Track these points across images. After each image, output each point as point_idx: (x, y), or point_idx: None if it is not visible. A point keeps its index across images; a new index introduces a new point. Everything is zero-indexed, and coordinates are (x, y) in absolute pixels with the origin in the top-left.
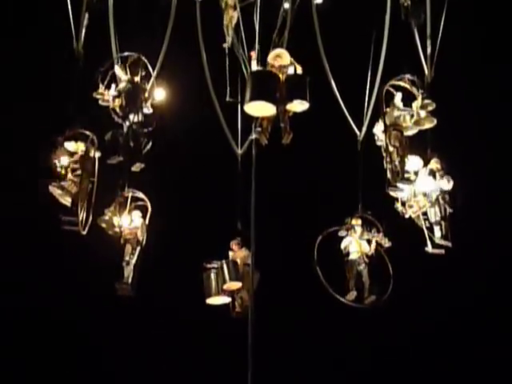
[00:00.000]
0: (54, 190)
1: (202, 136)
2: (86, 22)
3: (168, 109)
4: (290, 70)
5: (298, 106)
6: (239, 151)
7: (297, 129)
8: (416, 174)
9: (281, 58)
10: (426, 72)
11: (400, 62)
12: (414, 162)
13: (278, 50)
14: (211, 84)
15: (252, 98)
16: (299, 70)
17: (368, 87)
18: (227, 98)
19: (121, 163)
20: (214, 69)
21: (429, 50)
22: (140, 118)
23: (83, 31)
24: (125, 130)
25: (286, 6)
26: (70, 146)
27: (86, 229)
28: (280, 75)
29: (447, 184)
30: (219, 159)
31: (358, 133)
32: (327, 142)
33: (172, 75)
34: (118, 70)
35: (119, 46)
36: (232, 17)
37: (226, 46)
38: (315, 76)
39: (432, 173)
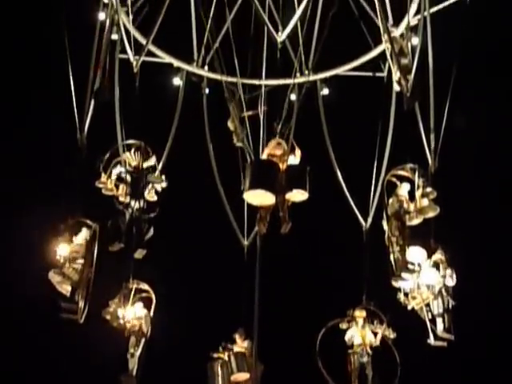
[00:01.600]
0: (54, 277)
1: (209, 226)
2: (90, 113)
3: (175, 199)
4: (291, 159)
5: (298, 195)
6: (245, 242)
7: (302, 219)
8: (420, 265)
9: (281, 147)
10: (430, 162)
11: (404, 151)
12: (417, 254)
13: (278, 139)
14: (218, 176)
15: (252, 187)
16: (299, 156)
17: (374, 177)
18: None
19: (125, 252)
20: (220, 159)
21: (432, 141)
22: (142, 205)
23: (87, 123)
24: (127, 216)
25: (293, 97)
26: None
27: (83, 317)
28: (280, 164)
29: (451, 280)
30: (225, 250)
31: (363, 223)
32: (332, 233)
33: (178, 165)
34: (126, 156)
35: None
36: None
37: (237, 143)
38: (321, 165)
39: (436, 265)
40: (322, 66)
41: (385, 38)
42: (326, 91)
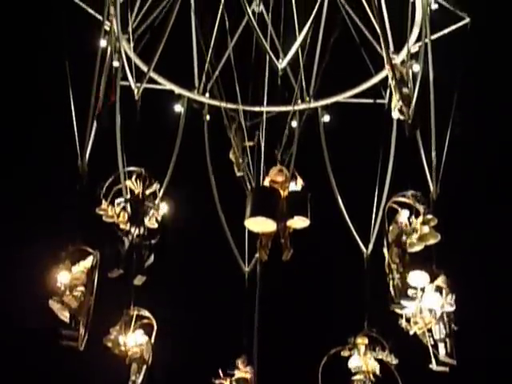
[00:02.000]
0: (54, 305)
1: (210, 253)
2: (91, 140)
3: (176, 226)
4: (292, 186)
5: (299, 222)
6: (246, 269)
7: (303, 245)
8: (422, 290)
9: (282, 174)
10: (432, 189)
11: (406, 178)
12: (419, 278)
13: (280, 166)
14: (219, 203)
15: (252, 214)
16: (300, 184)
17: (375, 204)
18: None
19: (125, 279)
20: (221, 186)
21: (434, 169)
22: (142, 232)
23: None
24: (127, 243)
25: (294, 124)
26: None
27: (84, 344)
28: (281, 191)
29: (450, 306)
30: (226, 276)
31: (364, 250)
32: (333, 259)
33: (180, 191)
34: (128, 183)
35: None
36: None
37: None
38: (322, 192)
39: (438, 289)
40: (323, 92)
41: (386, 66)
42: (327, 118)
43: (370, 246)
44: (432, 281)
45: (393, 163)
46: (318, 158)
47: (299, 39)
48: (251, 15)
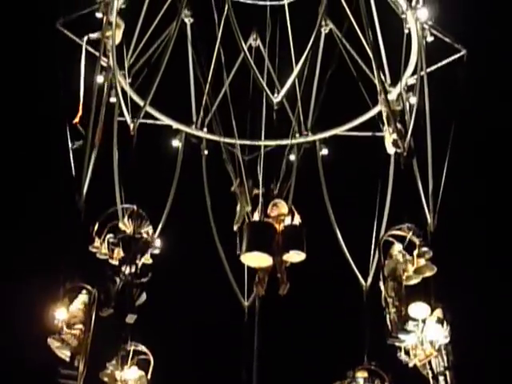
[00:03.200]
0: (53, 343)
1: (209, 287)
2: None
3: (174, 261)
4: (288, 220)
5: (295, 256)
6: (246, 303)
7: (302, 279)
8: (423, 321)
9: (278, 208)
10: (429, 221)
11: (404, 210)
12: (420, 310)
13: (276, 200)
14: (217, 237)
15: (248, 249)
16: (297, 219)
17: (373, 237)
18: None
19: (120, 316)
20: (220, 220)
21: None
22: (134, 270)
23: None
24: (118, 282)
25: (292, 157)
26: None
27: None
28: (277, 225)
29: (445, 338)
30: (226, 311)
31: (363, 283)
32: (332, 292)
33: (178, 226)
34: (122, 224)
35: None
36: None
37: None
38: (320, 225)
39: (440, 321)
40: (322, 124)
41: (380, 101)
42: (325, 151)
43: (369, 279)
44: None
45: (391, 196)
46: (316, 191)
47: (294, 73)
48: (247, 52)
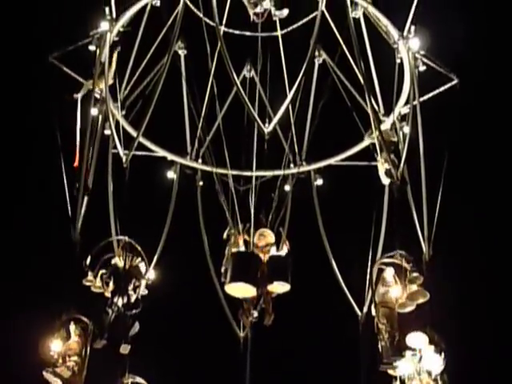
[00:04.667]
0: (48, 376)
1: (204, 319)
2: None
3: (169, 293)
4: (273, 250)
5: (279, 287)
6: (241, 334)
7: (297, 308)
8: (420, 351)
9: (265, 238)
10: (424, 250)
11: (399, 239)
12: (417, 339)
13: (262, 230)
14: (213, 268)
15: (232, 280)
16: (286, 249)
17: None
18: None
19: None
20: (215, 252)
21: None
22: (126, 301)
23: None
24: (111, 313)
25: (287, 188)
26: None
27: None
28: (262, 255)
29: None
30: (221, 341)
31: (358, 312)
32: (327, 321)
33: (173, 258)
34: (116, 259)
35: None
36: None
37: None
38: (315, 254)
39: (439, 351)
40: (315, 153)
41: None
42: (319, 181)
43: (365, 309)
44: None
45: (386, 225)
46: (310, 220)
47: (285, 104)
48: (239, 85)
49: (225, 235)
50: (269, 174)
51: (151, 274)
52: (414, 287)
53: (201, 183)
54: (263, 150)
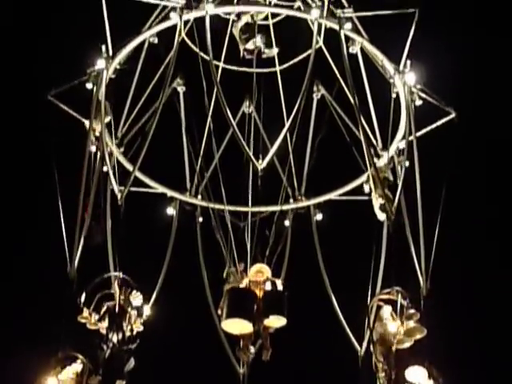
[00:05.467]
0: None
1: (204, 355)
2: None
3: (168, 328)
4: (268, 285)
5: (276, 321)
6: (241, 370)
7: (296, 344)
8: None
9: (262, 274)
10: (422, 284)
11: (398, 274)
12: (417, 373)
13: (259, 265)
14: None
15: (228, 316)
16: (280, 285)
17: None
18: None
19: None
20: (215, 288)
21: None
22: (121, 337)
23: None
24: (105, 349)
25: (286, 223)
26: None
27: None
28: (258, 291)
29: None
30: (221, 378)
31: (358, 348)
32: (326, 358)
33: (173, 293)
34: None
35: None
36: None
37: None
38: (314, 290)
39: None
40: (314, 188)
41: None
42: (319, 216)
43: (364, 345)
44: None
45: (385, 259)
46: (309, 255)
47: (279, 139)
48: (235, 126)
49: (225, 274)
50: (264, 209)
51: (147, 310)
52: (411, 323)
53: (200, 219)
54: (261, 186)
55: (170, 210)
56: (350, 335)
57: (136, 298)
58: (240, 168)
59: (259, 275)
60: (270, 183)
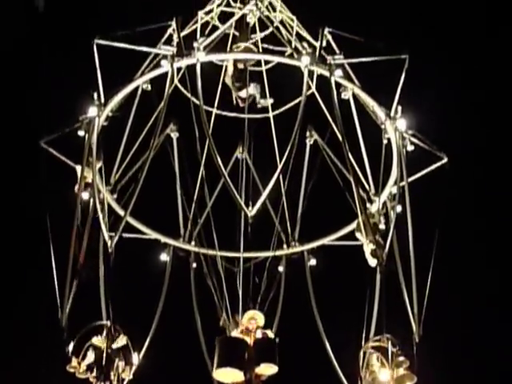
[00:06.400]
0: None
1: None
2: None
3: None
4: (259, 333)
5: (267, 369)
6: None
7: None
8: None
9: (256, 321)
10: (414, 329)
11: (390, 319)
12: None
13: (252, 312)
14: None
15: (219, 365)
16: (271, 334)
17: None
18: None
19: None
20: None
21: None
22: None
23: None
24: None
25: (281, 268)
26: None
27: None
28: (248, 338)
29: None
30: None
31: None
32: None
33: (167, 339)
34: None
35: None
36: None
37: None
38: (308, 335)
39: None
40: (307, 233)
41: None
42: (313, 261)
43: None
44: None
45: (379, 305)
46: (302, 300)
47: (269, 186)
48: (226, 175)
49: (221, 323)
50: (255, 255)
51: (135, 359)
52: (401, 371)
53: (194, 265)
54: (251, 232)
55: (164, 256)
56: (344, 381)
57: (119, 341)
58: (233, 213)
59: (252, 322)
60: (263, 228)
